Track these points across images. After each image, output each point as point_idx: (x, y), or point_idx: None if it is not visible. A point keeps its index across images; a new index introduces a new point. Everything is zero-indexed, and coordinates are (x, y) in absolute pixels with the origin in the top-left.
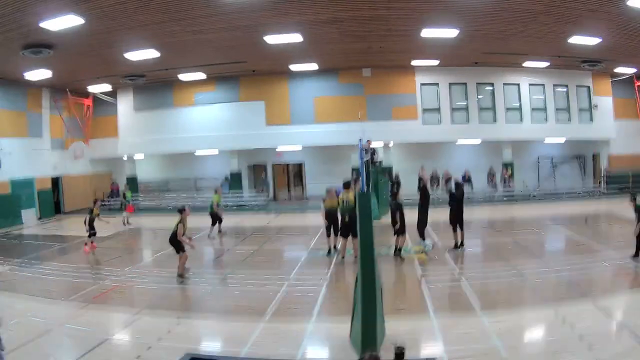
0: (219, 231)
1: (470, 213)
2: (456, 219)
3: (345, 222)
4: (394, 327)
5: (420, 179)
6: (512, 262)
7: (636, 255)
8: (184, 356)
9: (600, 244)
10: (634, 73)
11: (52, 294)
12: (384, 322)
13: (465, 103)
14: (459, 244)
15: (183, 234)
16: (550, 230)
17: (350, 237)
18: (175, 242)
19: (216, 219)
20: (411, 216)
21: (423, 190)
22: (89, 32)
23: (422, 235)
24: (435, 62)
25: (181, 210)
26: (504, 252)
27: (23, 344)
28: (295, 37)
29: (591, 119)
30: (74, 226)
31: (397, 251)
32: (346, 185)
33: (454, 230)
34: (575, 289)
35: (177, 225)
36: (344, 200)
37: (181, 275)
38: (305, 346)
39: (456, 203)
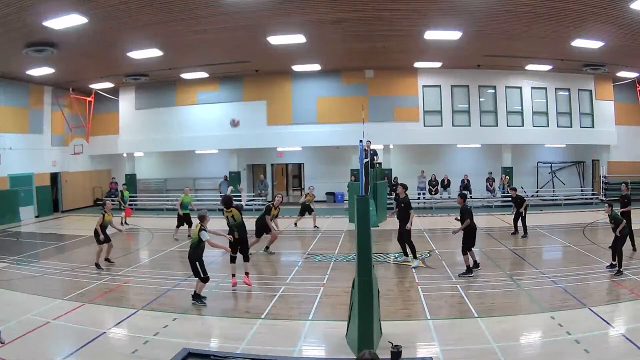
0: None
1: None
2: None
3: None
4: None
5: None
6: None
7: (616, 265)
8: (182, 351)
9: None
10: (636, 77)
11: (48, 291)
12: (380, 322)
13: (466, 106)
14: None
15: (103, 225)
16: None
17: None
18: (96, 233)
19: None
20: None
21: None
22: (92, 32)
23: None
24: (438, 64)
25: (103, 205)
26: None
27: (20, 338)
28: (299, 38)
29: (592, 124)
30: (73, 225)
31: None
32: (227, 204)
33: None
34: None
35: (103, 217)
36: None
37: (97, 265)
38: (302, 344)
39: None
